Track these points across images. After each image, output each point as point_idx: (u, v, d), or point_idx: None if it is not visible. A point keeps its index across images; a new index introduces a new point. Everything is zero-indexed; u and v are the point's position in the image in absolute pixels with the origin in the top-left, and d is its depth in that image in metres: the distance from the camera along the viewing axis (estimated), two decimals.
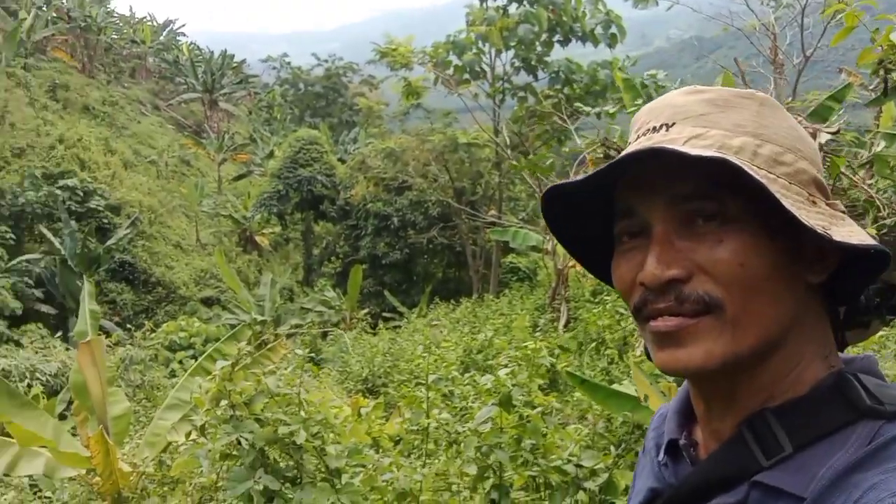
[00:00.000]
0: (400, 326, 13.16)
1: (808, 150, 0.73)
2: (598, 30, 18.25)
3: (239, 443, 3.14)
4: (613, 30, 18.25)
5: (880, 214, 3.40)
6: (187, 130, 37.25)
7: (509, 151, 14.41)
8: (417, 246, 19.52)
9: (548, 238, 10.66)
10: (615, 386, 4.36)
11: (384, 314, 16.91)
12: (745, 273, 0.66)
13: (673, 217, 0.68)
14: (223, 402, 3.27)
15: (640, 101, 9.97)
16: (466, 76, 17.79)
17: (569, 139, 14.65)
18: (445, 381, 4.65)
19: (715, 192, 0.67)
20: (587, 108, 14.44)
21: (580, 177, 0.72)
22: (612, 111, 9.56)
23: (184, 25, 47.22)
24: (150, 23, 44.58)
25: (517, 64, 18.65)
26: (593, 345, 8.02)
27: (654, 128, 0.72)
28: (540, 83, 19.14)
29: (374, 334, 11.86)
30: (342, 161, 24.34)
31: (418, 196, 19.63)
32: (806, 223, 0.63)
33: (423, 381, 5.73)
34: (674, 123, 0.71)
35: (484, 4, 18.41)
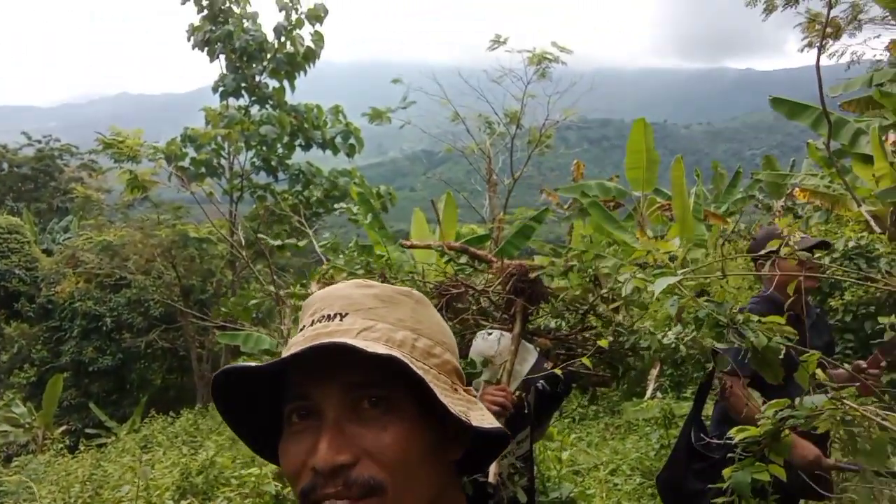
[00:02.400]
0: (107, 445, 11.54)
1: (450, 342, 0.86)
2: (339, 139, 18.97)
3: None
4: (352, 140, 19.09)
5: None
6: None
7: (244, 252, 13.96)
8: (134, 350, 17.56)
9: (282, 342, 10.30)
10: None
11: (88, 431, 14.71)
12: (405, 457, 0.75)
13: (344, 403, 0.76)
14: None
15: (370, 216, 10.39)
16: (202, 171, 17.16)
17: (309, 239, 14.59)
18: None
19: (382, 381, 0.76)
20: (335, 207, 14.64)
21: (258, 363, 0.77)
22: (356, 217, 9.80)
23: None
24: None
25: (257, 163, 18.49)
26: None
27: (329, 315, 0.80)
28: (280, 184, 19.13)
29: (75, 456, 10.22)
30: (48, 253, 21.50)
31: (138, 294, 17.91)
32: (453, 411, 0.74)
33: None
34: (347, 314, 0.80)
35: (225, 103, 18.15)
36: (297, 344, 0.78)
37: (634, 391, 8.33)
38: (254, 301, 9.93)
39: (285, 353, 0.76)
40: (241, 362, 0.82)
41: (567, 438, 5.76)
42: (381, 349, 0.74)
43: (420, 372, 0.73)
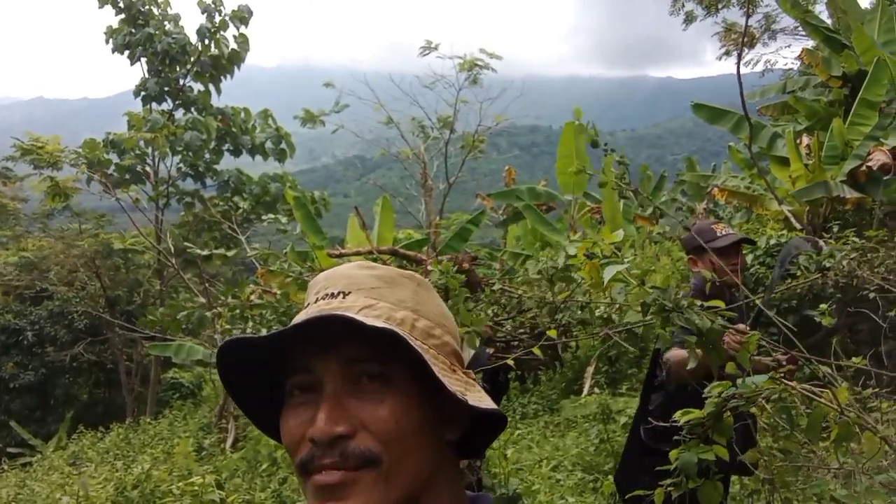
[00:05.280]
0: (32, 464, 10.99)
1: (451, 326, 0.88)
2: (269, 144, 18.63)
3: None
4: (283, 145, 18.79)
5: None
6: None
7: (173, 260, 13.55)
8: (58, 364, 16.76)
9: (214, 351, 10.03)
10: None
11: (10, 450, 13.98)
12: (399, 430, 0.76)
13: (344, 376, 0.77)
14: None
15: (308, 218, 10.28)
16: (127, 177, 16.56)
17: (239, 248, 14.31)
18: None
19: (381, 357, 0.77)
20: (263, 219, 14.37)
21: (264, 333, 0.79)
22: (285, 227, 9.68)
23: None
24: None
25: (184, 169, 17.97)
26: (265, 465, 7.64)
27: (333, 294, 0.83)
28: (209, 190, 18.64)
29: None
30: None
31: (61, 307, 17.14)
32: (450, 389, 0.76)
33: None
34: (350, 292, 0.82)
35: (148, 107, 17.57)
36: (300, 318, 0.79)
37: (572, 389, 8.54)
38: (184, 312, 9.54)
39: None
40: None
41: (510, 437, 5.88)
42: (380, 324, 0.75)
43: (419, 350, 0.75)
